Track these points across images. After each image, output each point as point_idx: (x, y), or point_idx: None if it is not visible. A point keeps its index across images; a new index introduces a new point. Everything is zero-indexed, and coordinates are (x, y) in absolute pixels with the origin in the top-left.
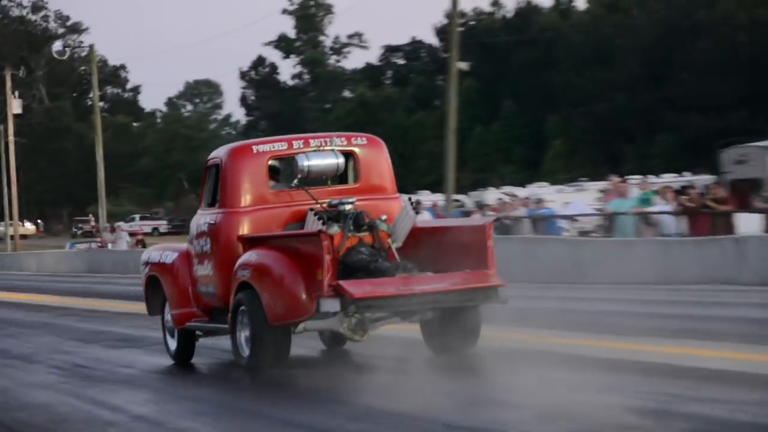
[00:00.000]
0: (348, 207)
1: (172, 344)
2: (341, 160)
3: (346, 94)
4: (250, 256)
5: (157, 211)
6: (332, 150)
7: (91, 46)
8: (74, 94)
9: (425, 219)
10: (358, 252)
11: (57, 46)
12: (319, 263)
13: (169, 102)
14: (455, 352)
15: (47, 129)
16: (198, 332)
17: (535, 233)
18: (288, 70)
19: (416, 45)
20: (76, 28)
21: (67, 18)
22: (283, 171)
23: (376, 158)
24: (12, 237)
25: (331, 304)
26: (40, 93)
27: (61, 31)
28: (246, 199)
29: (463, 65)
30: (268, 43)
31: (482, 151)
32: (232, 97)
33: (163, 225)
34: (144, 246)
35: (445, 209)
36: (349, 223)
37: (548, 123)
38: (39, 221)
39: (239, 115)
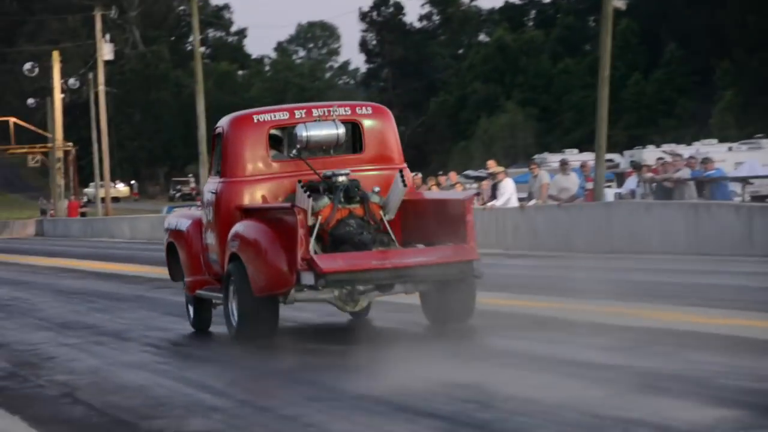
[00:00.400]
0: (341, 178)
1: (191, 312)
2: (341, 130)
3: (482, 37)
4: (239, 227)
5: None
6: (333, 120)
7: None
8: (172, 38)
9: (573, 180)
10: (345, 224)
11: None
12: (298, 235)
13: (279, 47)
14: (452, 322)
15: (142, 77)
16: (215, 300)
17: (701, 198)
18: (415, 10)
19: None
20: None
21: None
22: (286, 141)
23: (382, 128)
24: (103, 200)
25: (308, 277)
26: (133, 36)
27: None
28: (246, 169)
29: (620, 3)
30: None
31: (640, 103)
32: (350, 42)
33: None
34: None
35: (595, 170)
36: (339, 195)
37: (718, 70)
38: (133, 182)
39: (358, 62)
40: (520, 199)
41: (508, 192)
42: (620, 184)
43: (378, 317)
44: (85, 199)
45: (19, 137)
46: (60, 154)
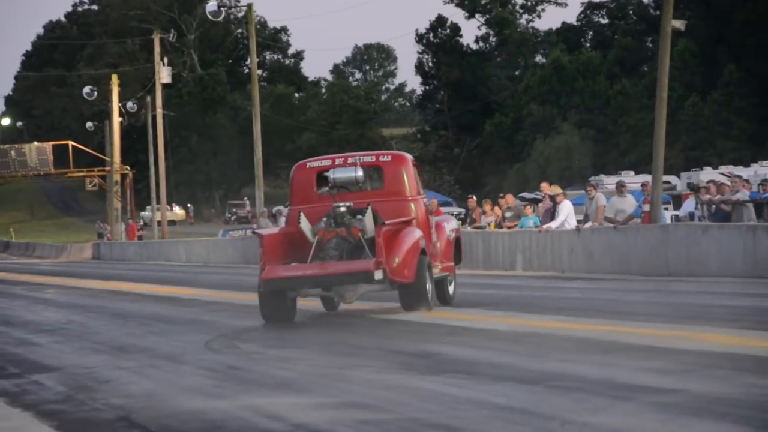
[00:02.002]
0: (342, 209)
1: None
2: (359, 173)
3: (539, 59)
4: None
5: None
6: (355, 165)
7: (249, 6)
8: (229, 61)
9: (630, 202)
10: (329, 243)
11: (211, 5)
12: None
13: (335, 69)
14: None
15: (199, 100)
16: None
17: (760, 220)
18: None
19: (622, 1)
20: None
21: None
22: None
23: (398, 171)
24: (159, 223)
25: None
26: (191, 59)
27: None
28: (300, 200)
29: (679, 24)
30: (450, 1)
31: (698, 124)
32: (406, 64)
33: None
34: None
35: (652, 192)
36: (329, 221)
37: None
38: (189, 205)
39: (414, 83)
40: (577, 221)
41: (564, 213)
42: (677, 207)
43: (426, 341)
44: (141, 222)
45: (78, 161)
46: (117, 177)
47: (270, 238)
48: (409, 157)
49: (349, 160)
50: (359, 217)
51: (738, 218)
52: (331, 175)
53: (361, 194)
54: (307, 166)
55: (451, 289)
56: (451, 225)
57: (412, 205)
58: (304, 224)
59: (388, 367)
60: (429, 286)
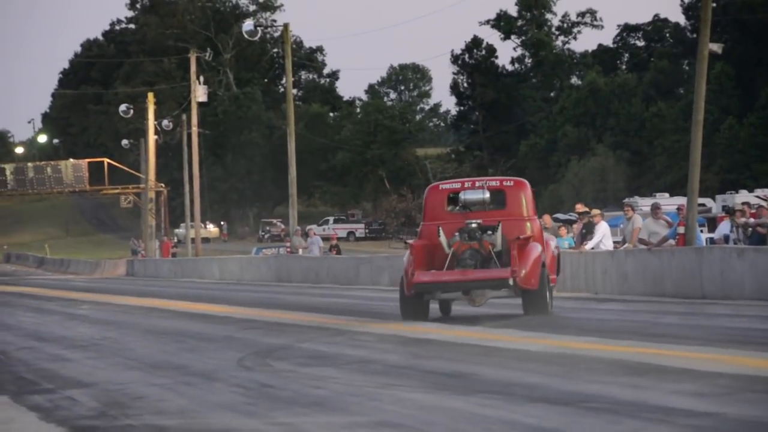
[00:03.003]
0: (473, 225)
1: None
2: (486, 195)
3: (574, 80)
4: (406, 253)
5: (354, 213)
6: (483, 188)
7: (285, 26)
8: (265, 80)
9: (663, 225)
10: (464, 254)
11: (248, 25)
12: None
13: (370, 89)
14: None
15: (234, 119)
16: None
17: None
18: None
19: (659, 23)
20: (269, 5)
21: None
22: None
23: (518, 194)
24: (193, 240)
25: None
26: (227, 78)
27: (252, 8)
28: (433, 216)
29: (716, 47)
30: (485, 22)
31: (734, 147)
32: (441, 84)
33: (359, 229)
34: (338, 253)
35: (687, 215)
36: (464, 235)
37: None
38: (223, 223)
39: (449, 104)
40: (614, 242)
41: (600, 234)
42: (712, 229)
43: (459, 361)
44: (175, 239)
45: (113, 178)
46: (152, 194)
47: (416, 248)
48: (527, 183)
49: (477, 183)
50: (489, 232)
51: None
52: (463, 196)
53: (486, 213)
54: (440, 188)
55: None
56: (554, 242)
57: (529, 224)
58: (443, 237)
59: (421, 387)
60: (548, 294)
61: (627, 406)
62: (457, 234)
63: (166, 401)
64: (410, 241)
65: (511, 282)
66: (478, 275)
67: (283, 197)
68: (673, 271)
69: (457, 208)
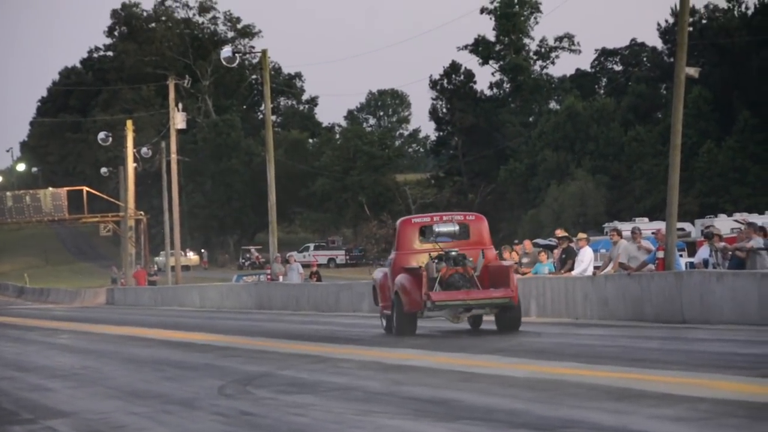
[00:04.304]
0: (453, 253)
1: (384, 321)
2: (456, 228)
3: (553, 105)
4: (399, 277)
5: (334, 240)
6: (452, 222)
7: (263, 52)
8: (243, 107)
9: (645, 248)
10: (452, 277)
11: (226, 51)
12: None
13: (349, 115)
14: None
15: (213, 146)
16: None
17: None
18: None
19: (636, 48)
20: (248, 32)
21: (238, 20)
22: (428, 232)
23: (479, 226)
24: (173, 268)
25: (428, 304)
26: (206, 105)
27: (230, 34)
28: (405, 246)
29: (693, 71)
30: (464, 47)
31: (712, 171)
32: (420, 110)
33: (340, 255)
34: (318, 279)
35: (666, 239)
36: (450, 261)
37: None
38: (203, 251)
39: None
40: (596, 268)
41: (587, 261)
42: (691, 254)
43: (441, 387)
44: (155, 267)
45: (92, 206)
46: (131, 222)
47: (421, 272)
48: (484, 217)
49: (444, 218)
50: (470, 259)
51: (752, 266)
52: (436, 228)
53: (454, 244)
54: (412, 222)
55: None
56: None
57: (488, 252)
58: (431, 264)
59: (402, 413)
60: None
61: (608, 431)
62: (440, 262)
63: (147, 430)
64: (411, 266)
65: (513, 301)
66: (487, 294)
67: (263, 224)
68: (653, 295)
69: (431, 238)
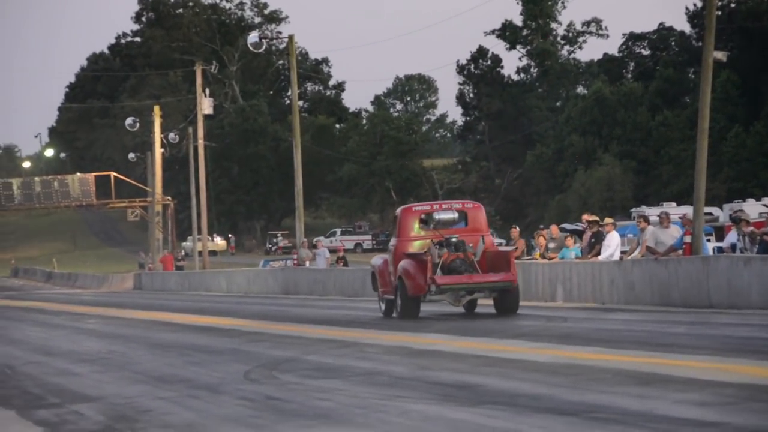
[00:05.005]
0: (454, 239)
1: (383, 306)
2: (456, 215)
3: (580, 90)
4: (403, 263)
5: (361, 225)
6: (452, 209)
7: (290, 37)
8: (270, 92)
9: (671, 233)
10: (454, 262)
11: (253, 37)
12: (428, 267)
13: (376, 100)
14: (508, 313)
15: (240, 131)
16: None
17: None
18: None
19: (664, 32)
20: (275, 17)
21: (265, 5)
22: (429, 220)
23: (477, 214)
24: (200, 253)
25: (433, 287)
26: (233, 91)
27: (257, 20)
28: (406, 233)
29: (721, 55)
30: (491, 32)
31: (740, 155)
32: (447, 95)
33: (366, 240)
34: (345, 264)
35: (694, 224)
36: (452, 248)
37: None
38: (230, 236)
39: (455, 114)
40: (623, 253)
41: (614, 246)
42: (719, 238)
43: (465, 372)
44: (182, 252)
45: (120, 191)
46: (159, 208)
47: (427, 258)
48: (481, 205)
49: (444, 206)
50: (470, 245)
51: None
52: (437, 216)
53: (453, 230)
54: (413, 210)
55: None
56: None
57: (485, 238)
58: (433, 249)
59: (427, 398)
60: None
61: (634, 416)
62: (441, 247)
63: (172, 414)
64: (414, 252)
65: (515, 284)
66: (488, 278)
67: (290, 209)
68: (680, 280)
69: (431, 226)
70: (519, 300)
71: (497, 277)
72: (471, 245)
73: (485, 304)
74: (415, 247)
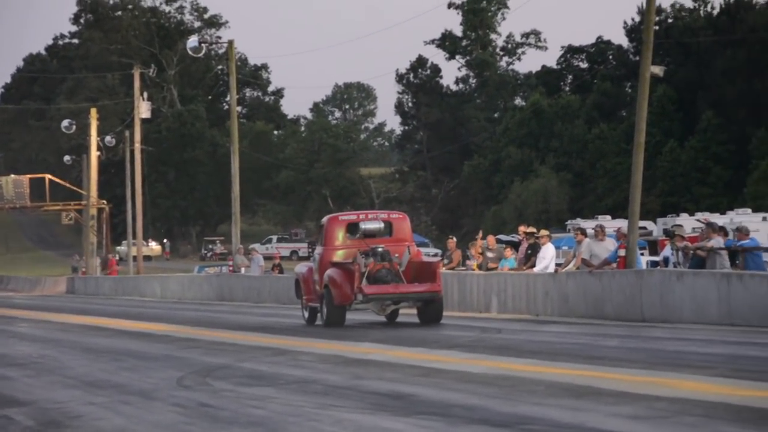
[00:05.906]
0: (380, 249)
1: (306, 315)
2: (381, 225)
3: (518, 101)
4: (329, 271)
5: (297, 232)
6: (378, 219)
7: (230, 43)
8: (209, 97)
9: (607, 246)
10: (380, 272)
11: (192, 41)
12: (355, 276)
13: (315, 107)
14: (431, 323)
15: (178, 136)
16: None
17: (734, 268)
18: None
19: (602, 46)
20: (214, 22)
21: (204, 10)
22: (354, 229)
23: (402, 224)
24: (135, 258)
25: (360, 296)
26: (171, 95)
27: (197, 24)
28: (332, 242)
29: (658, 70)
30: (431, 42)
31: (675, 170)
32: (386, 103)
33: (303, 248)
34: (281, 272)
35: (628, 237)
36: (378, 257)
37: (754, 139)
38: (165, 241)
39: (394, 123)
40: (557, 265)
41: (549, 258)
42: (653, 252)
43: (399, 382)
44: (116, 257)
45: (54, 194)
46: (94, 211)
47: (355, 268)
48: (407, 216)
49: (369, 216)
50: (396, 255)
51: (712, 266)
52: (363, 225)
53: (379, 240)
54: (340, 219)
55: None
56: None
57: (410, 248)
58: (360, 258)
59: (361, 408)
60: None
61: (566, 429)
62: (367, 257)
63: (104, 420)
64: (340, 261)
65: (440, 294)
66: (414, 288)
67: (226, 215)
68: (614, 293)
69: (358, 235)
70: (443, 310)
71: (423, 287)
72: (396, 255)
73: (408, 313)
74: (340, 256)
